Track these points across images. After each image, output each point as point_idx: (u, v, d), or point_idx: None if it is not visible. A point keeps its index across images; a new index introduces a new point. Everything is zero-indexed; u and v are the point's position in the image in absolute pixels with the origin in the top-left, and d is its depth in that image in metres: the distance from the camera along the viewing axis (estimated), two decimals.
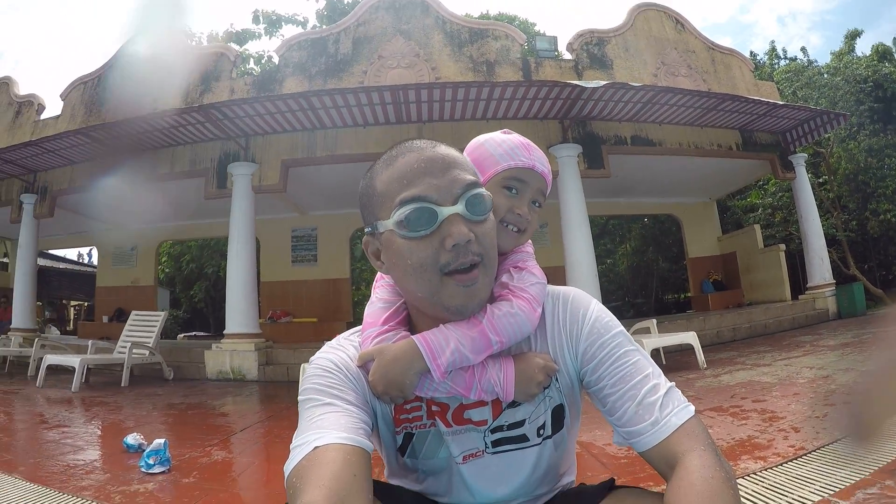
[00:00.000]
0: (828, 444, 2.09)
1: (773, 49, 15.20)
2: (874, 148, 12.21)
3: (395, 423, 0.71)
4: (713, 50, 8.47)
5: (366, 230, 0.69)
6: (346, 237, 9.67)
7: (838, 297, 8.40)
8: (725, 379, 4.09)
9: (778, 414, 2.74)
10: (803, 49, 15.28)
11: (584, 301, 0.73)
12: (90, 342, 6.21)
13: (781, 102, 7.84)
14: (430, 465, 0.72)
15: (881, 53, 14.07)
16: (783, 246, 9.97)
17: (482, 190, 0.65)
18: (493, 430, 0.70)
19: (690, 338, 4.94)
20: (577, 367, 0.71)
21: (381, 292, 0.76)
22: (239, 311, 6.61)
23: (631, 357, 0.68)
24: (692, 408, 0.65)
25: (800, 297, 8.95)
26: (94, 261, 15.17)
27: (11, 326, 7.60)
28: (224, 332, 6.64)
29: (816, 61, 14.40)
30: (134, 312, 6.84)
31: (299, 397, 0.65)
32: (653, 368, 0.67)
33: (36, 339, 6.64)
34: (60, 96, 8.57)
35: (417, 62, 7.03)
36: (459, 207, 0.62)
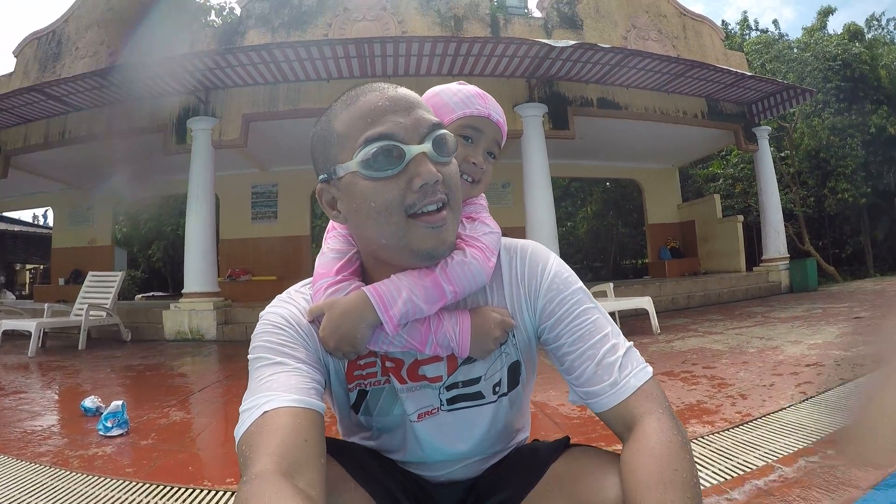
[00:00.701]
0: (773, 412, 2.17)
1: (745, 20, 15.33)
2: (837, 126, 12.53)
3: (347, 379, 0.69)
4: (685, 16, 8.46)
5: (320, 178, 0.65)
6: (307, 194, 9.48)
7: (791, 271, 8.65)
8: (678, 345, 4.20)
9: (727, 381, 2.82)
10: (775, 22, 15.53)
11: (544, 255, 0.72)
12: (46, 305, 6.05)
13: (749, 73, 7.92)
14: (384, 422, 0.70)
15: (852, 33, 14.29)
16: (741, 217, 10.23)
17: (446, 131, 0.62)
18: (449, 388, 0.68)
19: (645, 303, 5.03)
20: (535, 324, 0.70)
21: (332, 242, 0.73)
22: (197, 269, 6.52)
23: (590, 315, 0.67)
24: (650, 369, 0.65)
25: (754, 268, 9.23)
26: (50, 222, 14.60)
27: None
28: (182, 291, 6.54)
29: (787, 35, 14.59)
30: (90, 273, 6.66)
31: (249, 356, 0.62)
32: (612, 327, 0.67)
33: None
34: (13, 53, 8.22)
35: (384, 15, 6.83)
36: (426, 146, 0.59)
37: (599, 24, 7.45)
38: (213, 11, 8.78)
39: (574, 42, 6.15)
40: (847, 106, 12.97)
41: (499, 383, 0.70)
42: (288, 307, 0.67)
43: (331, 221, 0.72)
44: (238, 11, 7.29)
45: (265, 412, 0.53)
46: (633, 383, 0.62)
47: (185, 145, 6.89)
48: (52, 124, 7.54)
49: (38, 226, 16.57)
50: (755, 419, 2.10)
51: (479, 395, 0.69)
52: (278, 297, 0.70)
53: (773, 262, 8.81)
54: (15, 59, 8.15)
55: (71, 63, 7.81)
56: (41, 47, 8.10)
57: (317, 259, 0.71)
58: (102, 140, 7.27)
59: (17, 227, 14.93)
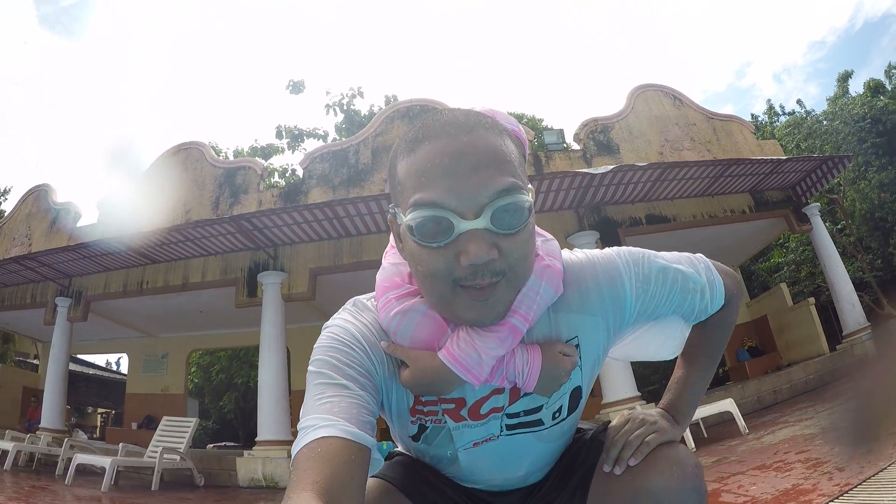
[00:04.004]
0: (872, 475, 2.07)
1: (771, 107, 15.74)
2: (885, 182, 12.25)
3: (410, 413, 0.67)
4: (713, 119, 8.77)
5: (390, 207, 0.63)
6: None
7: (877, 339, 8.10)
8: (768, 439, 4.01)
9: (821, 459, 2.71)
10: (799, 101, 15.85)
11: (614, 266, 0.68)
12: (121, 445, 6.25)
13: (785, 157, 7.99)
14: (441, 451, 0.70)
15: (874, 88, 14.40)
16: (812, 299, 9.78)
17: (519, 197, 0.55)
18: (510, 416, 0.67)
19: (728, 405, 4.87)
20: (615, 338, 0.71)
21: (391, 257, 0.71)
22: (271, 418, 6.61)
23: (671, 274, 0.71)
24: (714, 264, 0.79)
25: (837, 347, 8.67)
26: (123, 369, 15.33)
27: (40, 426, 7.54)
28: (256, 439, 6.60)
29: (814, 110, 14.76)
30: (165, 418, 6.87)
31: (310, 367, 0.61)
32: (684, 259, 0.75)
33: (66, 440, 6.62)
34: (97, 205, 9.01)
35: None
36: (482, 221, 0.53)
37: (634, 145, 7.81)
38: (276, 173, 9.71)
39: (612, 166, 6.43)
40: (889, 160, 12.75)
41: (559, 410, 0.69)
42: (355, 322, 0.65)
43: (391, 238, 0.71)
44: (300, 173, 8.05)
45: (322, 437, 0.51)
46: (721, 290, 0.76)
47: (255, 298, 7.31)
48: (131, 274, 8.11)
49: (110, 370, 17.46)
50: (854, 487, 1.98)
51: (538, 423, 0.68)
52: (344, 307, 0.68)
53: (855, 335, 8.25)
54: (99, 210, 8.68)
55: (150, 218, 8.49)
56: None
57: (378, 275, 0.69)
58: (178, 292, 7.83)
59: (90, 371, 15.76)
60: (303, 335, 9.49)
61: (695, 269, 0.73)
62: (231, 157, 10.57)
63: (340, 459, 0.50)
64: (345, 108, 10.09)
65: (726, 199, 8.06)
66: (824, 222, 9.37)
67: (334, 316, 0.67)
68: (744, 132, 8.97)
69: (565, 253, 0.72)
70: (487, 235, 0.54)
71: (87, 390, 14.95)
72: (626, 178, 6.74)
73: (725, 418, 5.24)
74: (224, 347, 12.64)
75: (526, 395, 0.66)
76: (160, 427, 6.71)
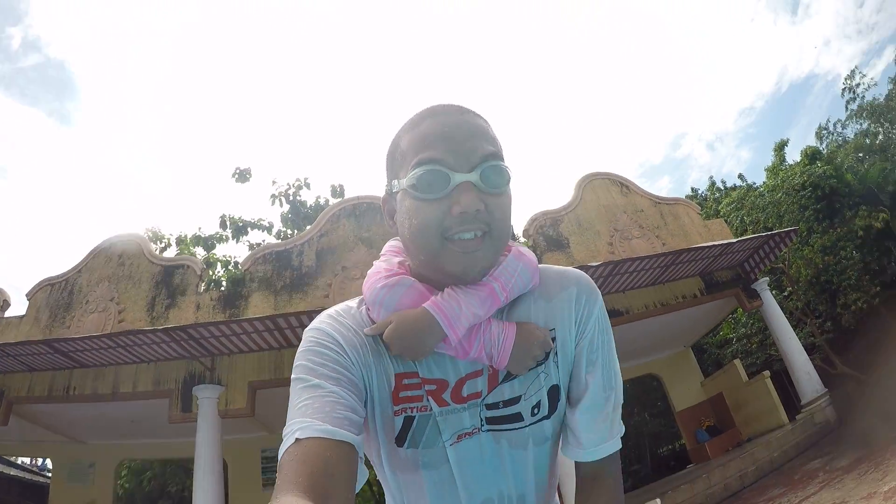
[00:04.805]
0: None
1: (713, 183, 16.63)
2: (827, 245, 12.80)
3: (394, 401, 0.67)
4: (660, 204, 9.01)
5: (385, 189, 0.70)
6: None
7: (836, 404, 8.26)
8: None
9: None
10: (741, 176, 16.97)
11: (595, 287, 0.73)
12: None
13: (734, 240, 8.18)
14: (430, 455, 0.69)
15: (811, 156, 15.33)
16: (767, 373, 9.91)
17: (503, 164, 0.65)
18: (489, 407, 0.69)
19: None
20: (575, 350, 0.71)
21: (380, 261, 0.75)
22: None
23: (615, 363, 0.73)
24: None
25: (797, 417, 8.72)
26: (47, 471, 13.92)
27: None
28: None
29: (755, 183, 15.58)
30: None
31: (292, 374, 0.63)
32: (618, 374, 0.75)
33: None
34: (27, 295, 8.34)
35: None
36: (473, 176, 0.62)
37: (584, 238, 7.85)
38: (219, 264, 9.30)
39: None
40: (829, 223, 13.42)
41: (538, 405, 0.70)
42: (333, 322, 0.67)
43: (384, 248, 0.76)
44: (242, 270, 7.66)
45: (298, 440, 0.54)
46: (618, 443, 0.74)
47: (190, 413, 6.75)
48: (58, 378, 7.44)
49: (35, 471, 15.83)
50: None
51: (518, 417, 0.69)
52: (326, 311, 0.70)
53: (813, 403, 8.41)
54: (27, 302, 8.19)
55: (81, 316, 7.88)
56: (53, 295, 8.21)
57: (366, 279, 0.71)
58: (107, 401, 7.17)
59: (12, 471, 14.21)
60: (242, 447, 8.85)
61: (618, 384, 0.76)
62: (173, 244, 10.13)
63: (319, 458, 0.52)
64: (290, 198, 9.99)
65: (677, 285, 8.14)
66: (771, 290, 9.62)
67: (314, 321, 0.69)
68: (690, 214, 9.23)
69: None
70: (476, 191, 0.62)
71: (9, 491, 13.39)
72: None
73: None
74: (158, 458, 11.67)
75: (504, 382, 0.69)
76: None
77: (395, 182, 0.66)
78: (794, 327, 9.74)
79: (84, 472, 9.66)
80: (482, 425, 0.69)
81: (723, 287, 8.77)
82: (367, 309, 0.69)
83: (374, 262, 0.76)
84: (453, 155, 0.62)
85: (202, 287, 7.53)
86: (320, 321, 0.68)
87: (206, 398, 6.67)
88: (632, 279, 7.38)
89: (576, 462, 0.75)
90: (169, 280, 7.63)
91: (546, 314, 0.70)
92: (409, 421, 0.68)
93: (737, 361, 10.46)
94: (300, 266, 7.20)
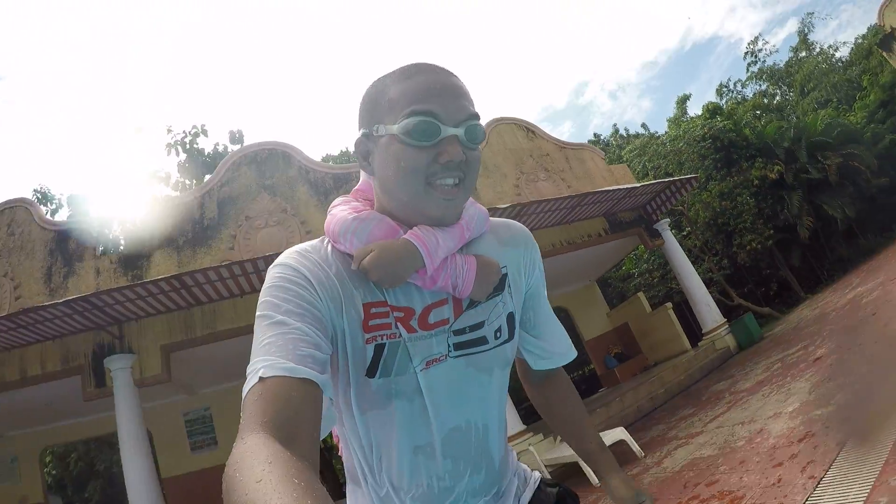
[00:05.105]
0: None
1: (617, 130, 17.46)
2: (724, 192, 13.99)
3: (364, 328, 0.70)
4: (565, 148, 9.42)
5: (361, 131, 0.72)
6: None
7: (734, 333, 9.04)
8: (668, 464, 4.09)
9: (736, 493, 2.74)
10: (644, 125, 18.02)
11: (532, 236, 0.86)
12: None
13: (637, 184, 8.72)
14: (401, 384, 0.71)
15: (712, 111, 16.53)
16: (669, 304, 10.77)
17: (482, 125, 0.72)
18: (457, 332, 0.74)
19: (620, 433, 5.08)
20: (525, 289, 0.83)
21: (340, 206, 0.78)
22: None
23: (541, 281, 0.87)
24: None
25: (699, 344, 9.52)
26: None
27: None
28: None
29: (657, 132, 16.55)
30: None
31: (257, 311, 0.64)
32: None
33: None
34: None
35: (286, 218, 7.03)
36: (460, 131, 0.68)
37: (491, 181, 8.10)
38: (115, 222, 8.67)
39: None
40: (727, 171, 14.65)
41: (499, 329, 0.77)
42: (299, 257, 0.69)
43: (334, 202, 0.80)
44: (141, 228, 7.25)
45: (261, 378, 0.54)
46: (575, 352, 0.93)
47: (105, 388, 6.34)
48: None
49: None
50: None
51: (483, 340, 0.75)
52: (291, 247, 0.72)
53: (714, 331, 9.16)
54: None
55: None
56: None
57: (329, 219, 0.75)
58: (18, 388, 6.64)
59: None
60: (163, 413, 8.57)
61: None
62: (65, 204, 9.33)
63: (283, 397, 0.53)
64: (187, 146, 9.39)
65: (582, 224, 8.62)
66: (672, 230, 10.43)
67: (279, 256, 0.70)
68: (595, 159, 9.74)
69: None
70: (460, 144, 0.68)
71: None
72: None
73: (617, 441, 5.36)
74: (81, 438, 11.02)
75: (469, 309, 0.75)
76: None
77: (380, 127, 0.69)
78: (694, 263, 10.58)
79: (8, 469, 8.88)
80: (450, 351, 0.73)
81: (626, 227, 9.38)
82: (332, 244, 0.73)
83: (332, 205, 0.80)
84: (444, 111, 0.68)
85: (100, 249, 7.09)
86: (286, 256, 0.70)
87: (120, 369, 6.25)
88: (539, 219, 7.73)
89: (528, 373, 0.95)
90: (64, 246, 7.07)
91: (498, 254, 0.79)
92: (380, 349, 0.70)
93: (640, 294, 11.30)
94: (202, 219, 6.91)
